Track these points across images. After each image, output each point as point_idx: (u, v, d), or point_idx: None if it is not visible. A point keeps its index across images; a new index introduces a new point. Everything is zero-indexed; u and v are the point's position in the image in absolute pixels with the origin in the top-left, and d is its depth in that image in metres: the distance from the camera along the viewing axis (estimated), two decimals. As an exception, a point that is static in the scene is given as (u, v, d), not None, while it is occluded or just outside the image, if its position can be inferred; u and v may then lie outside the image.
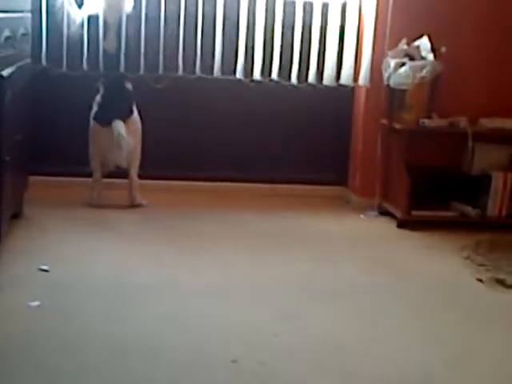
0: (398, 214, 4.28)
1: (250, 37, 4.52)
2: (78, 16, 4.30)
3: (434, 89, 4.30)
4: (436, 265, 3.67)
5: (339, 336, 2.77)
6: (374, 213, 4.48)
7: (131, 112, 4.24)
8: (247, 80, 4.55)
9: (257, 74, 4.54)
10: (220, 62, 4.50)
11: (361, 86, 4.59)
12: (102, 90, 4.26)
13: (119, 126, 4.12)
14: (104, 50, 4.27)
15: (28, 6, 3.90)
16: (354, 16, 4.57)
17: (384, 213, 4.45)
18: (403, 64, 4.28)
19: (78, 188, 4.34)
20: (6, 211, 3.30)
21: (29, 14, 3.89)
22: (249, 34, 4.52)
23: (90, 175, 4.29)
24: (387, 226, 4.28)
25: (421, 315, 3.03)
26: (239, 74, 4.53)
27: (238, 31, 4.50)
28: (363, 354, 2.63)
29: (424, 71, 4.23)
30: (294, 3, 4.54)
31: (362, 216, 4.44)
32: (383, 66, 4.40)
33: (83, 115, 4.26)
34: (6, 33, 3.17)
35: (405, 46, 4.37)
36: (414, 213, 4.25)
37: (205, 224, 4.11)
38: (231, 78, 4.52)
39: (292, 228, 4.15)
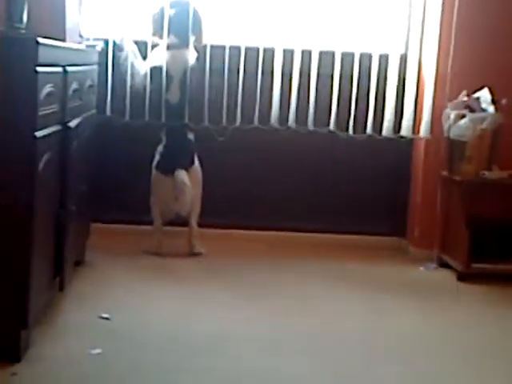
0: (458, 267, 4.23)
1: (304, 88, 4.57)
2: (143, 68, 4.41)
3: (495, 141, 4.27)
4: (497, 319, 3.61)
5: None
6: (434, 265, 4.44)
7: (193, 162, 4.31)
8: (303, 130, 4.59)
9: (311, 124, 4.58)
10: (277, 113, 4.56)
11: (422, 138, 4.59)
12: (164, 140, 4.34)
13: (182, 174, 4.19)
14: (167, 101, 4.36)
15: (95, 58, 4.02)
16: (413, 67, 4.60)
17: (443, 265, 4.40)
18: (463, 116, 4.28)
19: (139, 236, 4.41)
20: (69, 258, 3.37)
21: (96, 67, 4.00)
22: (305, 86, 4.57)
23: (150, 223, 4.36)
24: (447, 279, 4.23)
25: (472, 373, 2.98)
26: (292, 124, 4.58)
27: (291, 82, 4.54)
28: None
29: (484, 123, 4.21)
30: (352, 54, 4.58)
31: (421, 268, 4.40)
32: (443, 118, 4.40)
33: (145, 164, 4.34)
34: (74, 85, 3.27)
35: (465, 98, 4.36)
36: (475, 265, 4.20)
37: (260, 273, 4.11)
38: (287, 128, 4.58)
39: (349, 278, 4.13)
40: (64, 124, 3.08)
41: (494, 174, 4.26)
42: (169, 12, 4.34)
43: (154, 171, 4.32)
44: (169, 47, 4.35)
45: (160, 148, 4.33)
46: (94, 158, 3.99)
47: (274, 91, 4.54)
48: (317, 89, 4.56)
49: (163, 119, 4.37)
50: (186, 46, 4.36)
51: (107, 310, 3.30)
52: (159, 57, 4.37)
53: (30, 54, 2.60)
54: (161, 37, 4.36)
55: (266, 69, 4.54)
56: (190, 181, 4.22)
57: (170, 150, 4.31)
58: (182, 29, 4.35)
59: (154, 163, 4.32)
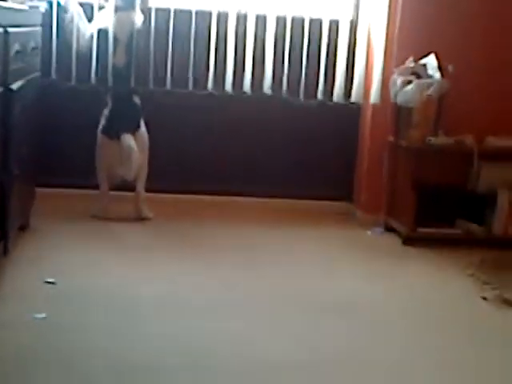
0: (404, 231, 4.29)
1: (257, 52, 4.56)
2: (88, 30, 4.34)
3: (441, 107, 4.31)
4: (440, 282, 3.68)
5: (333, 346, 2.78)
6: (380, 229, 4.49)
7: (139, 126, 4.27)
8: (255, 95, 4.58)
9: (265, 89, 4.58)
10: (231, 78, 4.54)
11: (371, 104, 4.61)
12: (110, 104, 4.28)
13: (128, 138, 4.15)
14: (113, 65, 4.30)
15: (39, 20, 3.93)
16: (363, 33, 4.60)
17: (390, 229, 4.46)
18: (410, 82, 4.30)
19: (85, 200, 4.37)
20: (13, 223, 3.33)
21: (39, 28, 3.92)
22: (257, 51, 4.56)
23: (96, 187, 4.32)
24: (393, 243, 4.29)
25: (421, 332, 3.04)
26: (247, 89, 4.57)
27: (245, 47, 4.53)
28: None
29: (431, 89, 4.24)
30: (302, 20, 4.57)
31: (368, 232, 4.45)
32: (390, 84, 4.43)
33: (91, 128, 4.29)
34: (16, 47, 3.20)
35: (412, 64, 4.38)
36: (420, 230, 4.27)
37: (207, 237, 4.13)
38: (240, 92, 4.57)
39: (296, 242, 4.17)
40: (6, 86, 3.02)
41: (440, 139, 4.30)
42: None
43: (99, 135, 4.27)
44: (115, 9, 4.28)
45: (106, 112, 4.28)
46: (38, 122, 3.92)
47: (227, 56, 4.52)
48: (272, 54, 4.55)
49: (109, 83, 4.31)
50: (133, 8, 4.30)
51: (52, 275, 3.28)
52: (105, 19, 4.31)
53: (-32, 13, 2.54)
54: (107, -1, 4.30)
55: (219, 34, 4.51)
56: (136, 145, 4.18)
57: (116, 114, 4.26)
58: None
59: (100, 127, 4.27)
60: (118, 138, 4.16)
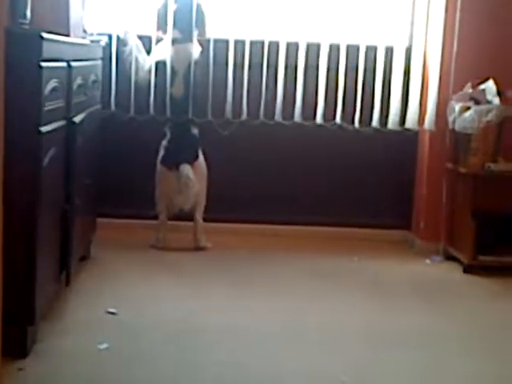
0: (464, 259, 4.23)
1: (311, 81, 4.57)
2: (147, 62, 4.41)
3: (500, 132, 4.25)
4: (504, 312, 3.60)
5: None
6: (439, 258, 4.43)
7: (197, 156, 4.31)
8: (309, 124, 4.59)
9: (319, 118, 4.58)
10: (281, 106, 4.55)
11: (426, 130, 4.58)
12: (168, 135, 4.34)
13: (186, 169, 4.19)
14: (171, 96, 4.35)
15: (99, 53, 4.01)
16: (418, 59, 4.58)
17: (449, 257, 4.40)
18: (468, 108, 4.26)
19: (145, 231, 4.41)
20: (75, 253, 3.37)
21: (99, 62, 4.00)
22: (310, 79, 4.57)
23: (155, 218, 4.36)
24: (453, 271, 4.23)
25: (481, 364, 2.97)
26: (298, 118, 4.58)
27: (296, 76, 4.55)
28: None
29: (490, 115, 4.19)
30: (357, 47, 4.58)
31: (427, 261, 4.40)
32: (448, 110, 4.39)
33: (150, 159, 4.34)
34: (79, 81, 3.27)
35: (470, 90, 4.35)
36: (481, 258, 4.20)
37: (266, 267, 4.12)
38: (292, 122, 4.58)
39: (356, 272, 4.13)
40: (69, 119, 3.08)
41: (500, 165, 4.24)
42: (172, 6, 4.33)
43: (158, 166, 4.32)
44: (173, 42, 4.34)
45: (164, 142, 4.33)
46: (99, 153, 3.99)
47: (278, 85, 4.54)
48: (325, 83, 4.55)
49: (167, 114, 4.36)
50: (190, 40, 4.36)
51: (113, 305, 3.30)
52: (163, 51, 4.37)
53: (34, 49, 2.60)
54: (165, 31, 4.35)
55: (270, 62, 4.54)
56: (194, 175, 4.21)
57: (174, 145, 4.31)
58: (185, 23, 4.34)
59: (159, 158, 4.32)
60: (177, 168, 4.20)
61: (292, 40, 4.54)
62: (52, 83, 2.76)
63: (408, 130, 4.66)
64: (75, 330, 3.04)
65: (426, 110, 4.55)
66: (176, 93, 4.36)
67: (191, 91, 4.36)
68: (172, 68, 4.34)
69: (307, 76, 4.56)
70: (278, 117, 4.56)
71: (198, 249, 4.35)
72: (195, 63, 4.36)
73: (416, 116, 4.62)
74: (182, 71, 4.35)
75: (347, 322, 3.33)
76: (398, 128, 4.64)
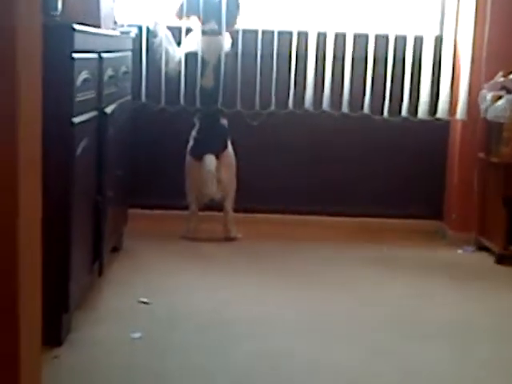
0: (496, 249, 4.20)
1: (338, 71, 4.55)
2: (177, 53, 4.42)
3: (533, 121, 4.21)
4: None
5: (437, 373, 2.73)
6: (471, 248, 4.40)
7: (226, 146, 4.32)
8: (337, 114, 4.58)
9: (345, 108, 4.56)
10: (311, 96, 4.54)
11: (458, 120, 4.54)
12: (197, 125, 4.35)
13: (209, 159, 4.20)
14: (201, 87, 4.36)
15: (129, 45, 4.03)
16: (449, 48, 4.55)
17: (481, 248, 4.37)
18: (500, 97, 4.22)
19: (176, 221, 4.43)
20: (107, 244, 3.40)
21: (130, 53, 4.01)
22: (337, 69, 4.55)
23: (186, 208, 4.38)
24: (485, 262, 4.20)
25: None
26: (327, 107, 4.56)
27: (324, 66, 4.53)
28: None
29: (522, 104, 4.15)
30: (386, 36, 4.55)
31: (459, 251, 4.37)
32: (480, 99, 4.35)
33: (180, 149, 4.36)
34: (110, 72, 3.29)
35: (501, 79, 4.31)
36: (513, 248, 4.17)
37: (297, 257, 4.12)
38: (321, 111, 4.57)
39: (386, 261, 4.12)
40: (100, 110, 3.10)
41: (532, 155, 4.21)
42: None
43: (187, 156, 4.33)
44: (204, 33, 4.35)
45: (194, 133, 4.35)
46: (129, 144, 4.01)
47: (307, 75, 4.53)
48: (351, 72, 4.55)
49: (197, 104, 4.37)
50: (221, 32, 4.36)
51: (146, 295, 3.33)
52: (194, 42, 4.37)
53: (66, 41, 2.62)
54: (181, 16, 4.34)
55: (299, 52, 4.53)
56: (222, 165, 4.24)
57: (203, 135, 4.32)
58: (217, 14, 4.33)
59: (188, 148, 4.34)
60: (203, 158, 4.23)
61: (321, 30, 4.53)
62: (83, 74, 2.78)
63: (439, 119, 4.63)
64: (108, 320, 3.06)
65: (457, 100, 4.52)
66: (206, 84, 4.37)
67: (221, 82, 4.36)
68: (203, 59, 4.35)
69: (335, 66, 4.55)
70: (307, 106, 4.55)
71: (229, 239, 4.36)
72: (226, 55, 4.37)
73: (447, 105, 4.59)
74: (212, 62, 4.36)
75: (377, 312, 3.32)
76: (428, 117, 4.61)
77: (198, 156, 4.27)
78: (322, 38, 4.52)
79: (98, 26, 3.23)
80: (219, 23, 4.34)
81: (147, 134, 4.56)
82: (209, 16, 4.34)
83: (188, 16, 4.35)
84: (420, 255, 4.29)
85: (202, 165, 4.22)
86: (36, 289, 1.88)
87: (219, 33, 4.36)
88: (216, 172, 4.21)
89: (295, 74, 4.54)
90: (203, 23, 4.34)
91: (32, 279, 1.82)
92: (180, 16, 4.37)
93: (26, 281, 1.73)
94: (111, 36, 3.48)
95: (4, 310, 1.66)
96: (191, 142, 4.34)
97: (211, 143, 4.29)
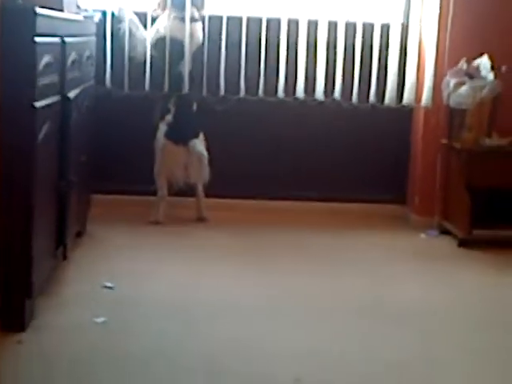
0: (459, 234, 4.25)
1: (311, 58, 4.57)
2: (145, 38, 4.39)
3: (495, 108, 4.27)
4: (499, 284, 3.63)
5: (402, 357, 2.77)
6: (435, 232, 4.46)
7: (199, 132, 4.36)
8: (308, 100, 4.59)
9: (318, 94, 4.59)
10: (283, 82, 4.55)
11: (424, 106, 4.58)
12: (173, 110, 4.35)
13: (198, 144, 4.27)
14: (177, 72, 4.36)
15: (93, 29, 4.01)
16: (414, 36, 4.58)
17: (444, 232, 4.43)
18: (463, 83, 4.27)
19: (139, 206, 4.44)
20: (70, 229, 3.39)
21: (94, 38, 3.99)
22: (309, 55, 4.57)
23: (150, 193, 4.37)
24: (448, 245, 4.25)
25: (480, 337, 3.00)
26: (300, 94, 4.58)
27: (297, 53, 4.55)
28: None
29: (484, 91, 4.20)
30: (354, 24, 4.57)
31: (422, 235, 4.43)
32: (443, 86, 4.40)
33: (145, 135, 4.35)
34: (73, 56, 3.27)
35: (464, 66, 4.35)
36: (475, 232, 4.22)
37: (264, 241, 4.15)
38: (293, 98, 4.59)
39: (349, 246, 4.16)
40: (63, 95, 3.09)
41: (494, 141, 4.26)
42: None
43: (162, 140, 4.32)
44: (180, 19, 4.34)
45: (169, 118, 4.34)
46: (94, 129, 3.99)
47: (280, 62, 4.54)
48: (324, 59, 4.56)
49: (170, 90, 4.37)
50: (196, 19, 4.38)
51: (110, 279, 3.33)
52: (165, 27, 4.36)
53: (28, 24, 2.60)
54: (164, 8, 4.34)
55: (271, 40, 4.55)
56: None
57: (181, 120, 4.33)
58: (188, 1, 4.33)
59: (162, 133, 4.32)
60: (184, 143, 4.24)
61: (292, 17, 4.54)
62: (46, 58, 2.76)
63: (405, 106, 4.66)
64: (72, 305, 3.06)
65: (422, 87, 4.56)
66: (183, 70, 4.37)
67: (197, 68, 4.39)
68: (179, 45, 4.34)
69: (308, 53, 4.56)
70: (280, 93, 4.56)
71: (201, 219, 4.40)
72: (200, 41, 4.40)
73: (413, 92, 4.63)
74: (191, 49, 4.37)
75: (343, 297, 3.35)
76: (395, 104, 4.65)
77: (177, 140, 4.28)
78: (293, 24, 4.53)
79: (61, 10, 3.20)
80: (188, 10, 4.33)
81: (112, 119, 4.54)
82: (181, 3, 4.33)
83: (165, 3, 4.35)
84: (383, 239, 4.33)
85: (183, 149, 4.27)
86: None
87: (197, 19, 4.36)
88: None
89: (265, 61, 4.54)
90: (179, 9, 4.33)
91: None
92: (164, 7, 4.36)
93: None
94: (74, 20, 3.45)
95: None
96: (165, 127, 4.33)
97: (190, 128, 4.33)
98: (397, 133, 4.80)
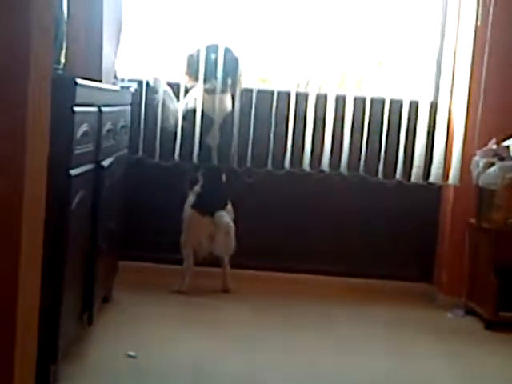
0: (486, 315, 4.21)
1: (337, 132, 4.61)
2: (177, 110, 4.47)
3: (524, 189, 4.27)
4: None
5: None
6: (461, 312, 4.41)
7: (227, 203, 4.40)
8: (334, 174, 4.63)
9: (343, 169, 4.62)
10: (309, 155, 4.59)
11: (450, 185, 4.60)
12: (201, 181, 4.40)
13: (225, 216, 4.30)
14: (206, 144, 4.43)
15: (129, 99, 4.09)
16: (443, 114, 4.62)
17: (471, 312, 4.38)
18: (492, 164, 4.28)
19: (166, 275, 4.44)
20: (97, 295, 3.40)
21: (129, 107, 4.07)
22: (336, 130, 4.61)
23: (177, 262, 4.38)
24: (475, 327, 4.20)
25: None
26: (326, 168, 4.61)
27: (324, 127, 4.60)
28: None
29: (513, 172, 4.21)
30: (383, 100, 4.63)
31: (448, 315, 4.38)
32: (472, 165, 4.42)
33: (173, 204, 4.40)
34: (109, 125, 3.33)
35: (494, 146, 4.37)
36: (503, 314, 4.17)
37: (287, 314, 4.14)
38: (319, 171, 4.62)
39: (376, 323, 4.12)
40: (97, 163, 3.14)
41: (523, 222, 4.25)
42: (208, 55, 4.42)
43: (189, 210, 4.36)
44: (209, 91, 4.42)
45: (197, 188, 4.39)
46: (124, 197, 4.04)
47: (306, 136, 4.59)
48: (350, 134, 4.60)
49: (200, 161, 4.43)
50: (226, 90, 4.46)
51: (134, 348, 3.32)
52: (195, 99, 4.44)
53: (67, 93, 2.66)
54: (196, 79, 4.43)
55: (299, 114, 4.60)
56: None
57: (208, 191, 4.38)
58: (220, 73, 4.41)
59: (190, 203, 4.37)
60: (211, 214, 4.28)
61: (321, 92, 4.60)
62: (83, 127, 2.82)
63: (431, 184, 4.68)
64: (95, 371, 3.05)
65: (450, 165, 4.58)
66: (211, 141, 4.43)
67: (225, 140, 4.45)
68: (208, 117, 4.42)
69: (334, 127, 4.60)
70: (305, 166, 4.60)
71: (226, 290, 4.40)
72: (229, 114, 4.46)
73: (440, 170, 4.65)
74: (217, 121, 4.44)
75: (364, 372, 3.32)
76: (421, 181, 4.67)
77: (203, 211, 4.32)
78: (321, 99, 4.59)
79: (100, 80, 3.29)
80: (222, 82, 4.42)
81: (142, 187, 4.59)
82: (211, 74, 4.42)
83: (196, 75, 4.43)
84: (408, 317, 4.29)
85: (209, 220, 4.29)
86: (32, 339, 1.89)
87: (223, 91, 4.44)
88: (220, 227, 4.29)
89: (293, 135, 4.60)
90: (205, 81, 4.42)
91: (29, 328, 1.84)
92: (190, 75, 4.44)
93: (24, 329, 1.75)
94: (111, 90, 3.53)
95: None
96: (194, 197, 4.38)
97: (217, 199, 4.37)
98: (425, 210, 4.79)
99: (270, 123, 4.59)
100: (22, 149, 1.66)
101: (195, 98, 4.45)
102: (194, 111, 4.43)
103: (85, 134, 2.85)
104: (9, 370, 1.65)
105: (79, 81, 2.72)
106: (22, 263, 1.67)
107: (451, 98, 4.63)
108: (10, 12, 1.59)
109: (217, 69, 4.42)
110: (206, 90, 4.43)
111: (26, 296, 1.74)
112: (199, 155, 4.43)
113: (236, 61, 4.47)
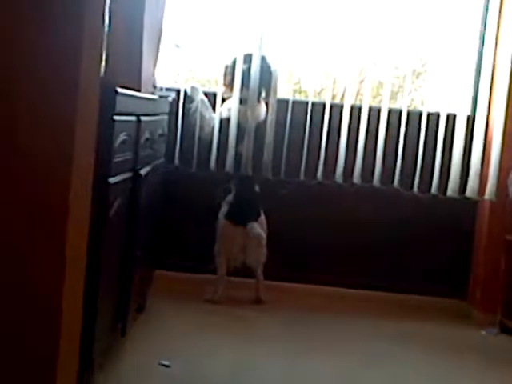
0: (521, 333, 4.16)
1: (370, 144, 4.58)
2: (213, 119, 4.49)
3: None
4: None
5: None
6: (496, 330, 4.35)
7: (259, 213, 4.38)
8: (367, 186, 4.60)
9: (376, 181, 4.59)
10: (342, 167, 4.57)
11: (486, 200, 4.55)
12: (234, 191, 4.40)
13: (257, 227, 4.29)
14: (239, 153, 4.43)
15: (166, 108, 4.10)
16: (480, 128, 4.58)
17: (506, 330, 4.32)
18: (530, 180, 4.24)
19: (200, 284, 4.44)
20: (132, 304, 3.40)
21: (166, 116, 4.09)
22: (368, 142, 4.58)
23: (211, 272, 4.38)
24: (509, 345, 4.14)
25: None
26: (357, 180, 4.58)
27: (357, 138, 4.57)
28: None
29: (552, 188, 4.16)
30: (419, 113, 4.60)
31: (483, 332, 4.32)
32: (509, 181, 4.37)
33: (209, 213, 4.41)
34: (147, 134, 3.34)
35: (532, 162, 4.33)
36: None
37: (321, 328, 4.11)
38: (351, 184, 4.60)
39: (408, 339, 4.08)
40: (135, 171, 3.15)
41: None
42: (243, 65, 4.42)
43: (222, 220, 4.37)
44: (242, 101, 4.42)
45: (230, 198, 4.39)
46: (160, 206, 4.05)
47: (339, 147, 4.57)
48: (383, 146, 4.58)
49: (233, 170, 4.44)
50: (259, 100, 4.45)
51: (167, 357, 3.31)
52: (230, 109, 4.45)
53: (108, 102, 2.66)
54: (232, 89, 4.43)
55: (332, 125, 4.58)
56: None
57: (241, 201, 4.38)
58: (255, 83, 4.42)
59: (223, 213, 4.37)
60: (243, 225, 4.27)
61: (355, 104, 4.58)
62: (122, 136, 2.83)
63: (467, 198, 4.63)
64: (129, 381, 3.05)
65: (487, 180, 4.53)
66: (244, 151, 4.43)
67: (258, 150, 4.43)
68: (241, 126, 4.42)
69: (367, 139, 4.58)
70: (338, 178, 4.58)
71: (259, 301, 4.38)
72: (262, 123, 4.44)
73: (476, 185, 4.60)
74: (250, 130, 4.43)
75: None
76: (457, 196, 4.62)
77: (236, 221, 4.31)
78: (356, 111, 4.57)
79: (139, 90, 3.30)
80: (255, 91, 4.41)
81: (177, 196, 4.60)
82: (245, 84, 4.41)
83: (232, 84, 4.43)
84: (442, 333, 4.25)
85: (242, 230, 4.28)
86: (74, 350, 1.90)
87: (256, 101, 4.43)
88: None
89: (326, 145, 4.58)
90: (240, 91, 4.42)
91: (71, 338, 1.85)
92: (227, 84, 4.45)
93: (67, 339, 1.75)
94: (150, 99, 3.54)
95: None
96: (227, 207, 4.38)
97: (249, 210, 4.37)
98: (461, 225, 4.74)
99: (304, 133, 4.57)
100: (69, 161, 1.66)
101: (229, 108, 4.45)
102: (228, 120, 4.43)
103: (123, 142, 2.85)
104: (51, 380, 1.65)
105: (119, 90, 2.72)
106: (67, 274, 1.68)
107: (489, 111, 4.59)
108: (62, 24, 1.60)
109: (250, 79, 4.41)
110: (239, 100, 4.43)
111: (70, 305, 1.74)
112: (232, 165, 4.43)
113: (270, 70, 4.47)
